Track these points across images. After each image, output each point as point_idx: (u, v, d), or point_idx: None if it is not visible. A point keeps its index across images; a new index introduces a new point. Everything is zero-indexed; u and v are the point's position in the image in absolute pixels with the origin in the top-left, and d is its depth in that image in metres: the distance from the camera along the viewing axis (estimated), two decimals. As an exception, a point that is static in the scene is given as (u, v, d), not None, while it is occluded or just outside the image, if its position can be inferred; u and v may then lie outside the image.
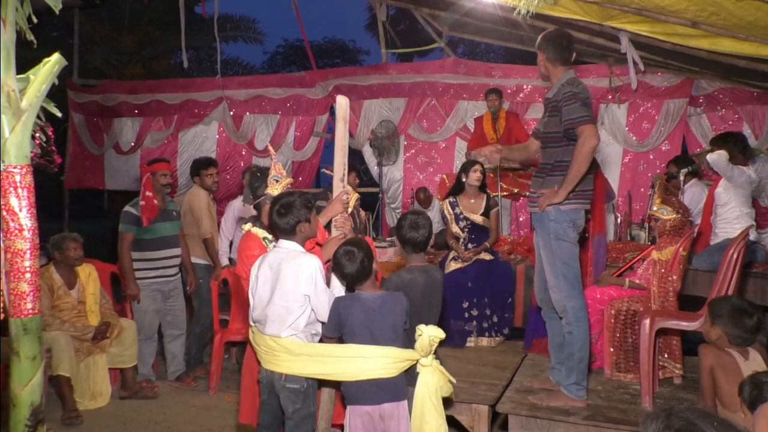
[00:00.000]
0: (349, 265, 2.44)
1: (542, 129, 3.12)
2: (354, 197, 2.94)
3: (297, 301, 2.43)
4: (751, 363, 2.61)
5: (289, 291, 2.42)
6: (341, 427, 2.79)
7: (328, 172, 2.89)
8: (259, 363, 2.58)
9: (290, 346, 2.42)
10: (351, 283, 2.51)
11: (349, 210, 2.83)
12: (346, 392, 2.45)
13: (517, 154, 3.65)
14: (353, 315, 2.41)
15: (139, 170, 7.89)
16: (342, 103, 2.76)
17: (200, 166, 4.86)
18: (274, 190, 2.77)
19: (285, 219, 2.49)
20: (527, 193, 3.12)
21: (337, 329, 2.46)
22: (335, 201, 2.75)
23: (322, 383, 2.54)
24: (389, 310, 2.44)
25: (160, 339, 4.71)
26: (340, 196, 2.75)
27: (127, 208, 4.47)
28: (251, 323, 2.63)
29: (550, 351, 3.35)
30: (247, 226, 2.80)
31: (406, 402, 2.42)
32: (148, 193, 4.42)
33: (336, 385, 2.55)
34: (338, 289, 2.55)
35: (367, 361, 2.35)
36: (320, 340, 2.55)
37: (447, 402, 2.63)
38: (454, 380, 2.51)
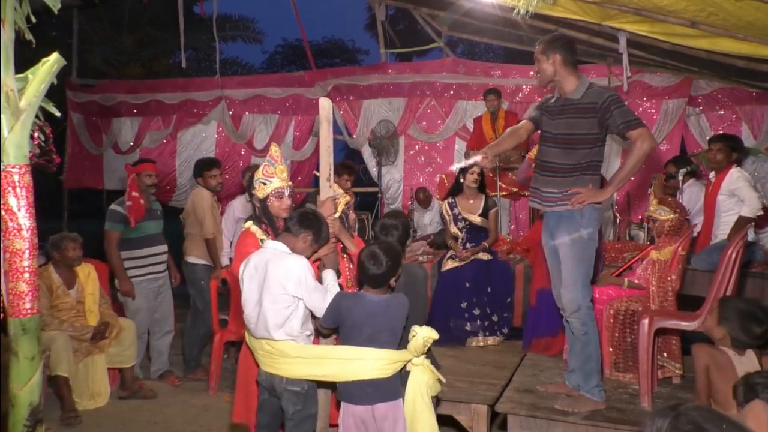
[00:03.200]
0: (372, 269, 2.42)
1: (565, 130, 3.02)
2: (343, 201, 2.94)
3: (284, 302, 2.42)
4: (746, 361, 2.60)
5: (275, 293, 2.41)
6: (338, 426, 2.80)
7: (317, 173, 2.89)
8: (257, 364, 2.58)
9: (286, 349, 2.42)
10: (363, 283, 2.49)
11: (336, 213, 2.81)
12: (340, 391, 2.45)
13: (506, 143, 3.32)
14: (354, 315, 2.40)
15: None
16: (324, 104, 2.79)
17: (203, 167, 4.87)
18: (260, 193, 2.78)
19: (296, 224, 2.52)
20: (548, 193, 3.06)
21: (334, 322, 2.45)
22: (326, 203, 2.73)
23: (318, 384, 2.54)
24: (393, 315, 2.42)
25: (148, 336, 4.74)
26: (330, 198, 2.74)
27: (113, 207, 4.51)
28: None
29: (569, 355, 3.30)
30: (248, 224, 2.80)
31: (401, 401, 2.41)
32: (135, 194, 4.46)
33: (331, 385, 2.55)
34: (332, 285, 2.54)
35: (363, 363, 2.35)
36: (316, 330, 2.55)
37: (438, 400, 2.63)
38: (443, 379, 2.51)
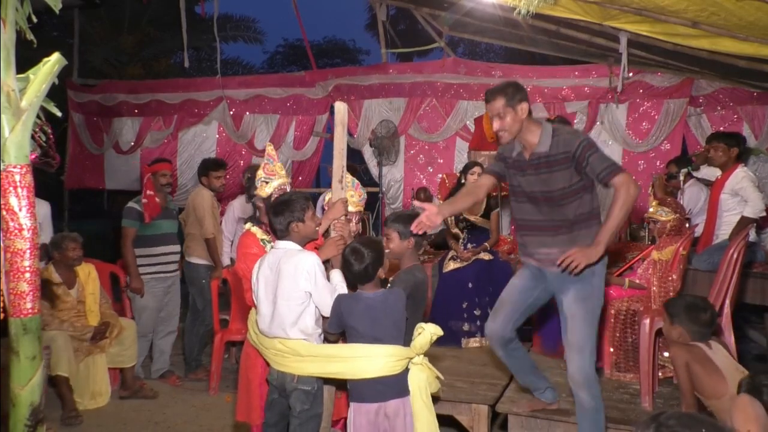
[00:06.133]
0: (356, 265, 2.45)
1: (542, 187, 2.68)
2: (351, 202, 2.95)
3: (298, 299, 2.44)
4: (716, 352, 2.74)
5: (289, 289, 2.43)
6: (339, 421, 2.80)
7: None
8: (267, 364, 2.59)
9: (298, 348, 2.44)
10: (352, 281, 2.53)
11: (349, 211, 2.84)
12: (351, 390, 2.46)
13: (462, 203, 2.95)
14: (355, 314, 2.42)
15: (139, 170, 7.95)
16: (340, 108, 2.84)
17: (209, 167, 4.89)
18: (263, 191, 2.79)
19: (278, 218, 2.52)
20: (545, 254, 2.72)
21: (338, 326, 2.48)
22: (337, 204, 2.77)
23: (324, 382, 2.56)
24: (392, 309, 2.44)
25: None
26: (341, 199, 2.78)
27: (130, 204, 4.60)
28: (254, 325, 2.64)
29: (526, 378, 3.07)
30: (248, 225, 2.82)
31: (409, 398, 2.41)
32: (150, 192, 4.55)
33: (338, 383, 2.56)
34: (339, 285, 2.56)
35: (372, 360, 2.36)
36: (324, 337, 2.57)
37: (437, 399, 2.64)
38: (441, 377, 2.52)
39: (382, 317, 2.42)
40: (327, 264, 2.66)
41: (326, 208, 2.98)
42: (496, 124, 2.65)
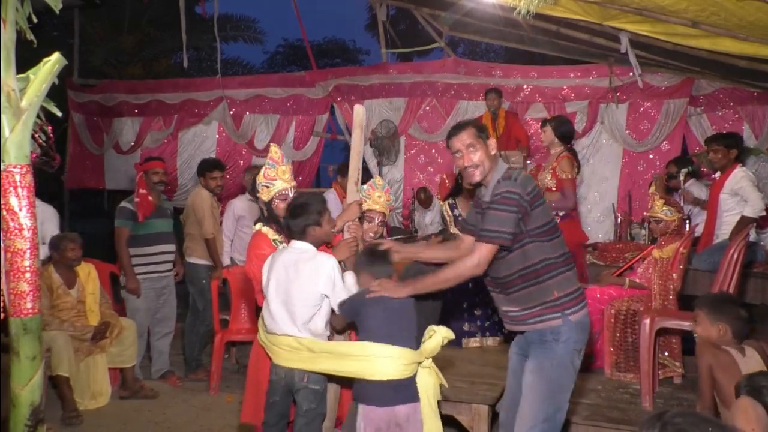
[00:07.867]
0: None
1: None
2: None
3: (314, 300, 2.47)
4: (749, 360, 2.59)
5: (306, 290, 2.45)
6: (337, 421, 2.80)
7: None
8: (271, 361, 2.58)
9: (311, 345, 2.45)
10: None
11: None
12: (359, 391, 2.43)
13: (432, 256, 2.68)
14: (373, 315, 2.41)
15: (138, 170, 7.94)
16: (359, 111, 2.90)
17: (206, 167, 4.88)
18: (264, 196, 2.79)
19: (295, 221, 2.53)
20: (509, 312, 2.41)
21: (351, 315, 2.48)
22: (351, 205, 2.79)
23: (329, 379, 2.56)
24: (410, 312, 2.45)
25: (148, 336, 4.75)
26: (356, 202, 2.81)
27: (122, 203, 4.57)
28: (263, 323, 2.63)
29: None
30: (258, 226, 2.82)
31: (419, 404, 2.39)
32: (142, 191, 4.52)
33: (343, 381, 2.56)
34: (354, 287, 2.57)
35: (385, 361, 2.34)
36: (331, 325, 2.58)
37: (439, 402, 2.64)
38: (446, 384, 2.50)
39: (398, 320, 2.41)
40: (340, 265, 2.66)
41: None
42: (465, 159, 2.33)
